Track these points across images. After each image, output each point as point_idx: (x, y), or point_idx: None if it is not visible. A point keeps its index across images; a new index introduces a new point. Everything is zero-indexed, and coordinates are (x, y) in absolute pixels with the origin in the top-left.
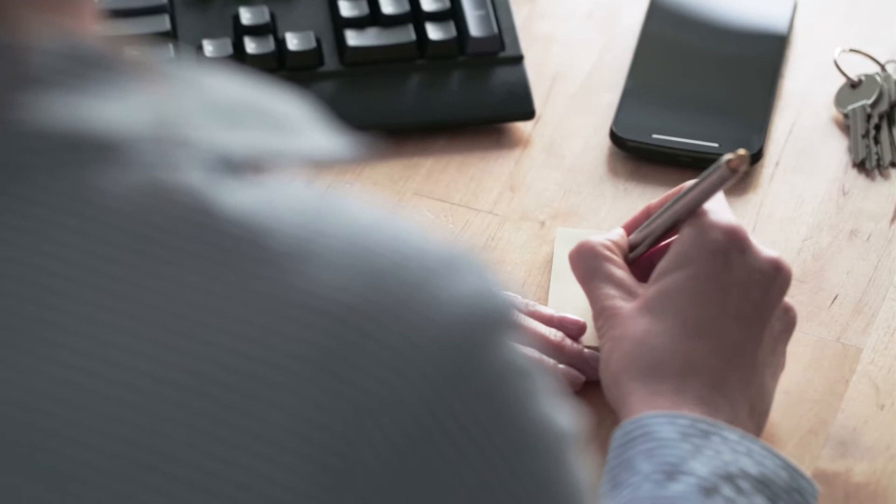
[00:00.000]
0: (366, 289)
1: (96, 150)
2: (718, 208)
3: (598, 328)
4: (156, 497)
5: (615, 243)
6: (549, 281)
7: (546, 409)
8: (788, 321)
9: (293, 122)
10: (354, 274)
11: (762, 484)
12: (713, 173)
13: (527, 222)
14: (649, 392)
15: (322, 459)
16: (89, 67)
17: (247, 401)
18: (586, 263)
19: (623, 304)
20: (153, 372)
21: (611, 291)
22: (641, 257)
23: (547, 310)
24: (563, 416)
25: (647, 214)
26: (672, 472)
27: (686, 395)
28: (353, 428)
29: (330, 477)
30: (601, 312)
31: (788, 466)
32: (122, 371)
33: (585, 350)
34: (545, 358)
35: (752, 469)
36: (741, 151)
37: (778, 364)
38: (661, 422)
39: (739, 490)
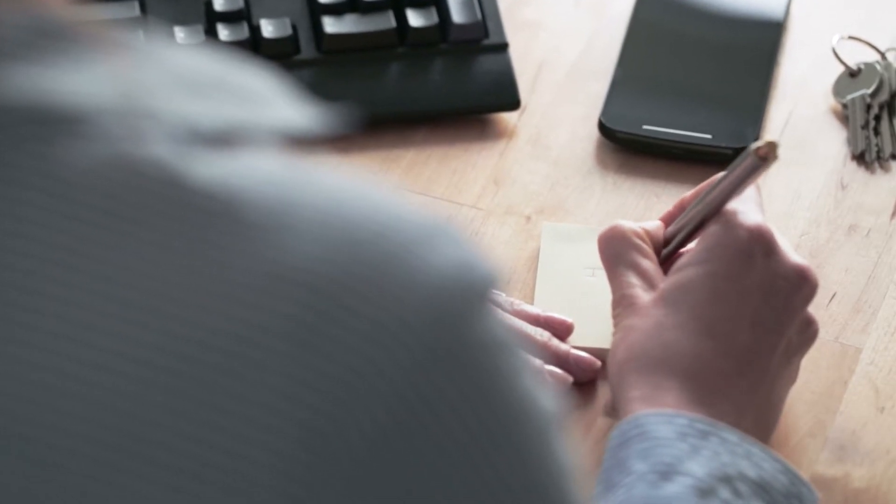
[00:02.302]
0: (344, 259)
1: (62, 124)
2: (748, 206)
3: (615, 316)
4: (136, 481)
5: (649, 233)
6: (535, 278)
7: (531, 386)
8: (809, 335)
9: (263, 95)
10: (331, 245)
11: (761, 488)
12: (741, 163)
13: (512, 217)
14: (652, 387)
15: (303, 437)
16: (52, 40)
17: (223, 378)
18: (614, 248)
19: (643, 295)
20: (129, 353)
21: (633, 280)
22: (675, 255)
23: (533, 309)
24: (546, 395)
25: (681, 209)
26: (667, 473)
27: (690, 395)
28: (335, 404)
29: (312, 455)
30: (620, 300)
31: (789, 471)
32: (98, 353)
33: (573, 351)
34: (531, 358)
35: (751, 472)
36: (770, 139)
37: (791, 376)
38: (657, 421)
39: (737, 493)
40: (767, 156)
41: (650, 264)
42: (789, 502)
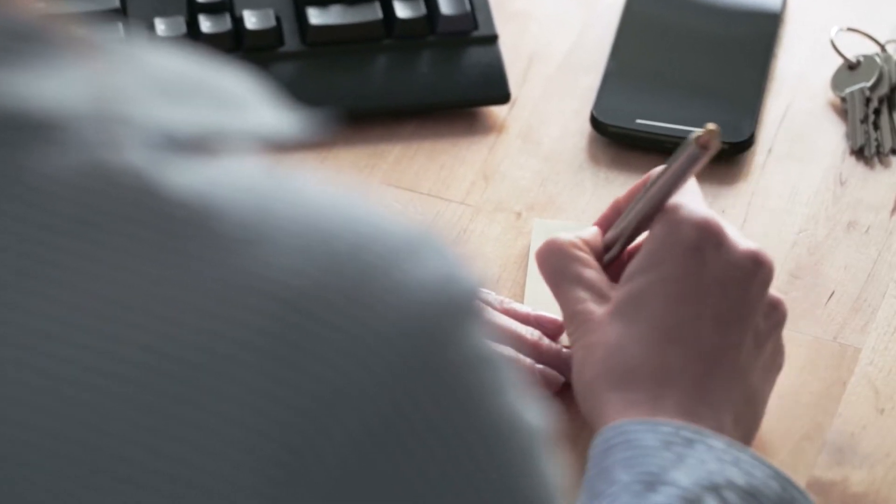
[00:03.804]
0: (321, 272)
1: (34, 130)
2: (690, 199)
3: (570, 334)
4: (99, 497)
5: (587, 242)
6: (526, 276)
7: (515, 403)
8: (777, 317)
9: (241, 99)
10: (309, 257)
11: (750, 496)
12: (681, 154)
13: (501, 213)
14: (625, 402)
15: (274, 454)
16: (24, 42)
17: (194, 393)
18: (554, 264)
19: (595, 309)
20: (99, 366)
21: (581, 294)
22: (618, 258)
23: (523, 307)
24: (533, 411)
25: (616, 211)
26: (652, 483)
27: (664, 404)
28: (308, 420)
29: (283, 472)
30: (572, 318)
31: (779, 476)
32: (68, 365)
33: (564, 350)
34: (522, 358)
35: (740, 479)
36: (710, 126)
37: (772, 365)
38: (642, 429)
39: (725, 501)
40: (708, 144)
41: (595, 274)
42: None
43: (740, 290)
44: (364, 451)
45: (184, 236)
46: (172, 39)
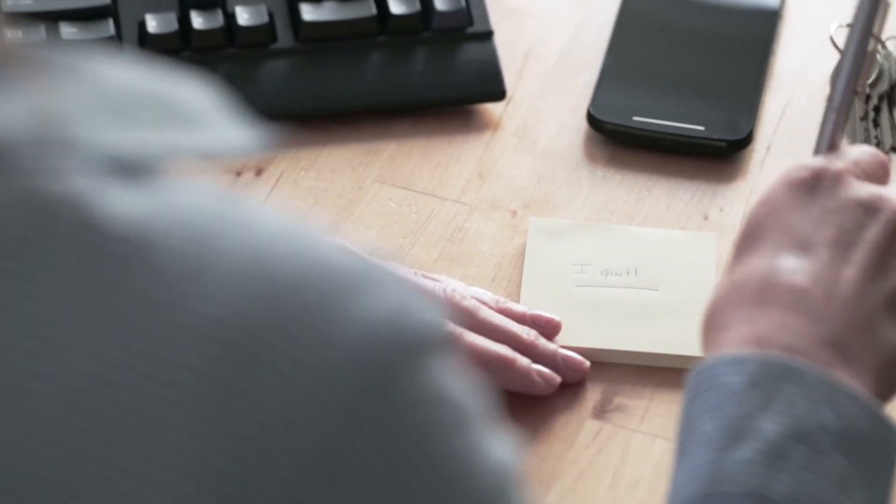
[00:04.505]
0: (260, 310)
1: None
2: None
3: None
4: None
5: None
6: (522, 275)
7: (477, 442)
8: None
9: (196, 113)
10: (249, 293)
11: (842, 440)
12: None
13: (497, 212)
14: (728, 339)
15: (210, 500)
16: None
17: (128, 437)
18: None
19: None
20: (30, 407)
21: None
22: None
23: (519, 307)
24: (504, 448)
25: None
26: (736, 436)
27: (769, 333)
28: (243, 465)
29: (228, 502)
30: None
31: (870, 412)
32: (6, 414)
33: (561, 350)
34: (518, 357)
35: (831, 421)
36: None
37: None
38: (727, 368)
39: (815, 450)
40: None
41: None
42: (874, 452)
43: (858, 226)
44: (299, 498)
45: (121, 273)
46: (162, 36)
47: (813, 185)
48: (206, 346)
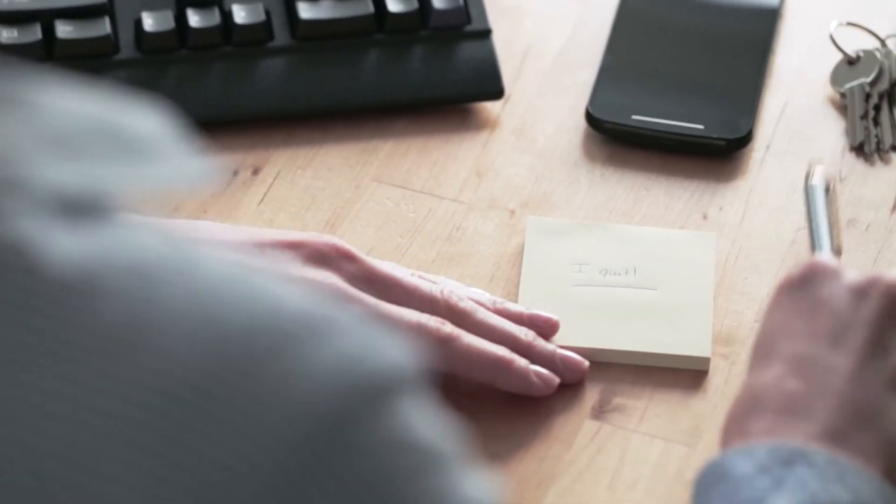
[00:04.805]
0: (207, 362)
1: None
2: None
3: None
4: None
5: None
6: (520, 275)
7: (448, 486)
8: None
9: (148, 144)
10: (195, 344)
11: None
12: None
13: (495, 211)
14: (745, 436)
15: None
16: None
17: (71, 497)
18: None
19: None
20: None
21: None
22: None
23: (516, 307)
24: (480, 488)
25: None
26: None
27: (789, 430)
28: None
29: None
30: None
31: (884, 492)
32: None
33: (559, 351)
34: (516, 359)
35: (845, 497)
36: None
37: None
38: (736, 459)
39: None
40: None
41: None
42: None
43: (850, 308)
44: None
45: (67, 324)
46: (158, 35)
47: (805, 281)
48: (154, 400)
